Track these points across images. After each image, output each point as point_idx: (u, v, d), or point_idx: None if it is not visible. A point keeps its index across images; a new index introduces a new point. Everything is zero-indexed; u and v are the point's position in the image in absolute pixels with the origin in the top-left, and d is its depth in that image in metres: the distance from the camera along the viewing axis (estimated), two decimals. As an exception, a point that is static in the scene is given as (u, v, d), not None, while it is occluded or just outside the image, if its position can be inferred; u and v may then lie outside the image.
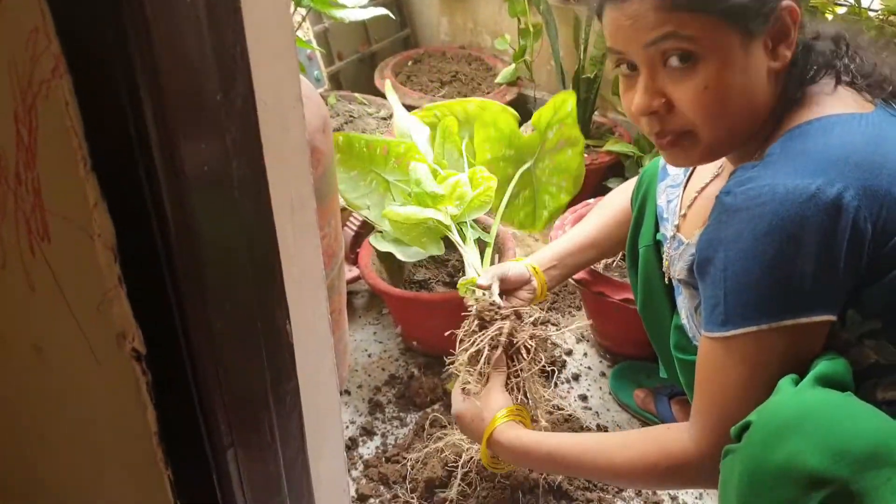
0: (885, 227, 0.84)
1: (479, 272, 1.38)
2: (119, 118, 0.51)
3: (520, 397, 1.19)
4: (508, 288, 1.34)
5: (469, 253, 1.45)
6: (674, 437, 0.96)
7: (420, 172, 1.46)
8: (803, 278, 0.84)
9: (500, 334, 1.22)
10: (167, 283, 0.58)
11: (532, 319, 1.26)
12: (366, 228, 1.77)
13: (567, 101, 1.60)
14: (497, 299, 1.28)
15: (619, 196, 1.40)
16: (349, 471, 1.41)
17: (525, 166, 1.63)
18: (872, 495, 0.74)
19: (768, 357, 0.87)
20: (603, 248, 1.41)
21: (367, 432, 1.49)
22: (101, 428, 0.71)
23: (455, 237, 1.48)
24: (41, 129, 0.54)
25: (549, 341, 1.36)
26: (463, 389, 1.22)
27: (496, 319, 1.24)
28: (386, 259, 1.71)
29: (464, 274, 1.43)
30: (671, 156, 1.00)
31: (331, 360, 0.84)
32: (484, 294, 1.30)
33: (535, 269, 1.36)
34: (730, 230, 0.88)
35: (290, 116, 0.67)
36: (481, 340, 1.21)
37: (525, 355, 1.22)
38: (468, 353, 1.22)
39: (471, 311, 1.27)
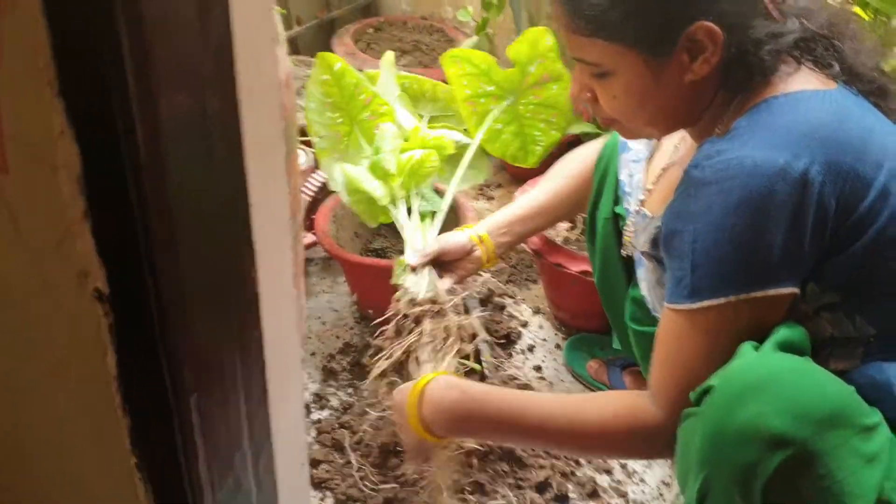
0: (848, 202, 0.85)
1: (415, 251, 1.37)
2: (91, 39, 0.48)
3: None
4: (449, 259, 1.33)
5: (409, 230, 1.41)
6: (640, 405, 0.97)
7: (387, 135, 1.44)
8: (771, 251, 0.85)
9: (418, 340, 1.22)
10: (136, 219, 0.55)
11: (453, 305, 1.27)
12: (322, 194, 1.74)
13: (543, 37, 1.57)
14: (419, 291, 1.26)
15: (576, 162, 1.40)
16: (302, 436, 1.39)
17: (506, 102, 1.60)
18: (832, 455, 0.76)
19: (732, 328, 0.88)
20: (552, 216, 1.41)
21: (321, 399, 1.48)
22: (57, 373, 0.68)
23: (398, 214, 1.45)
24: (5, 48, 0.51)
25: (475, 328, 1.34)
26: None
27: (413, 323, 1.23)
28: (343, 226, 1.69)
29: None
30: (614, 130, 1.07)
31: (293, 314, 0.82)
32: (406, 287, 1.28)
33: (481, 237, 1.35)
34: (699, 203, 0.88)
35: (264, 56, 0.65)
36: (397, 348, 1.22)
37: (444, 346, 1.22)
38: (389, 361, 1.22)
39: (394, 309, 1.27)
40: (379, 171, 1.46)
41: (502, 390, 1.09)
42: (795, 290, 0.88)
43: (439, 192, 1.61)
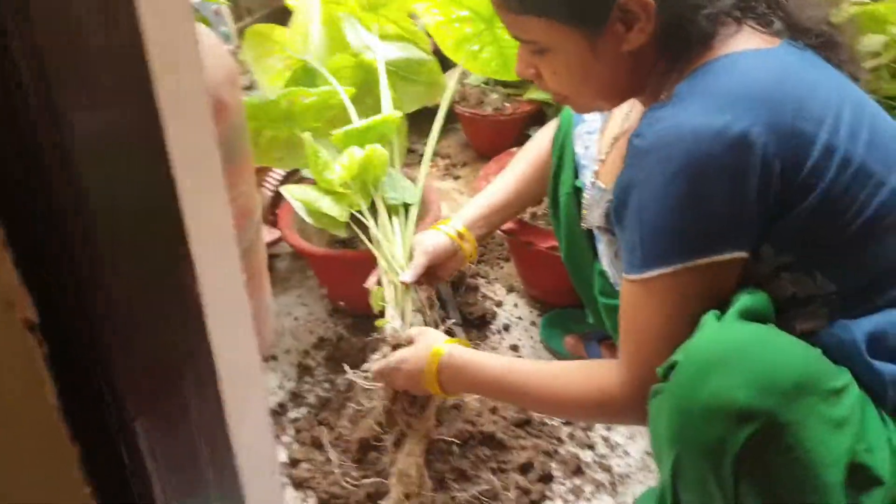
0: (793, 162, 0.84)
1: (393, 265, 1.29)
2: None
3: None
4: (436, 263, 1.29)
5: (381, 239, 1.33)
6: (602, 374, 0.97)
7: (310, 147, 1.36)
8: (714, 217, 0.84)
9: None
10: (57, 243, 0.53)
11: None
12: (285, 188, 1.71)
13: None
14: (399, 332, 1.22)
15: (538, 143, 1.38)
16: (279, 436, 1.38)
17: (482, 26, 1.53)
18: (799, 425, 0.75)
19: (686, 296, 0.87)
20: (526, 200, 1.39)
21: (297, 396, 1.46)
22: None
23: (367, 223, 1.36)
24: None
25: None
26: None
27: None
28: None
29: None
30: (567, 106, 1.07)
31: (247, 322, 0.80)
32: (388, 330, 1.23)
33: (461, 233, 1.31)
34: (642, 173, 0.87)
35: (185, 60, 0.62)
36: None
37: None
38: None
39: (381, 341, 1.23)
40: (328, 187, 1.39)
41: (490, 359, 1.10)
42: (743, 254, 0.86)
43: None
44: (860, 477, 0.79)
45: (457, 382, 1.11)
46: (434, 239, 1.29)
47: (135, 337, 0.59)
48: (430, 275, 1.30)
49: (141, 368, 0.61)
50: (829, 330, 0.89)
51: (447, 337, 1.16)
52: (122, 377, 0.59)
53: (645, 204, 0.87)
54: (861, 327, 0.87)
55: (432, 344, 1.13)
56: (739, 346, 0.78)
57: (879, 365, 0.86)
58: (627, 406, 0.93)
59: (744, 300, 0.85)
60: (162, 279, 0.61)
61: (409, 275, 1.25)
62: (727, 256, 0.85)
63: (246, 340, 0.80)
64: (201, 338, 0.68)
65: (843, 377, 0.82)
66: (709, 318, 0.83)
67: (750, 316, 0.84)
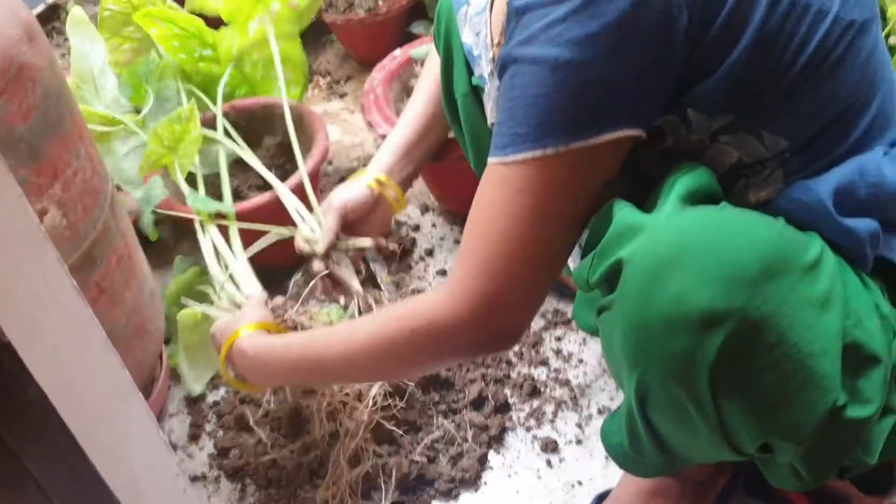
0: (704, 8, 0.69)
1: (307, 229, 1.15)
2: None
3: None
4: (354, 219, 1.12)
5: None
6: (426, 297, 0.82)
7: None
8: (605, 89, 0.69)
9: None
10: None
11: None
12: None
13: None
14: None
15: (435, 53, 1.19)
16: (201, 426, 1.23)
17: (230, 66, 1.41)
18: (780, 314, 0.63)
19: (553, 188, 0.72)
20: (444, 123, 1.18)
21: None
22: None
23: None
24: None
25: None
26: None
27: None
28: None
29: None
30: None
31: (97, 333, 0.63)
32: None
33: (380, 181, 1.12)
34: (520, 37, 0.71)
35: None
36: None
37: None
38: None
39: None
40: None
41: (297, 336, 0.98)
42: (637, 132, 0.72)
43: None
44: (856, 359, 0.68)
45: (257, 373, 0.99)
46: (346, 193, 1.11)
47: None
48: (356, 233, 1.13)
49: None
50: (788, 195, 0.77)
51: (255, 322, 1.01)
52: None
53: (519, 71, 0.71)
54: (825, 184, 0.75)
55: (236, 325, 1.02)
56: (689, 239, 0.65)
57: (852, 222, 0.75)
58: (461, 324, 0.75)
59: (683, 181, 0.72)
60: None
61: (319, 243, 1.08)
62: (611, 137, 0.70)
63: (103, 356, 0.63)
64: (24, 383, 0.52)
65: (814, 245, 0.70)
66: (625, 211, 0.70)
67: (695, 198, 0.71)
